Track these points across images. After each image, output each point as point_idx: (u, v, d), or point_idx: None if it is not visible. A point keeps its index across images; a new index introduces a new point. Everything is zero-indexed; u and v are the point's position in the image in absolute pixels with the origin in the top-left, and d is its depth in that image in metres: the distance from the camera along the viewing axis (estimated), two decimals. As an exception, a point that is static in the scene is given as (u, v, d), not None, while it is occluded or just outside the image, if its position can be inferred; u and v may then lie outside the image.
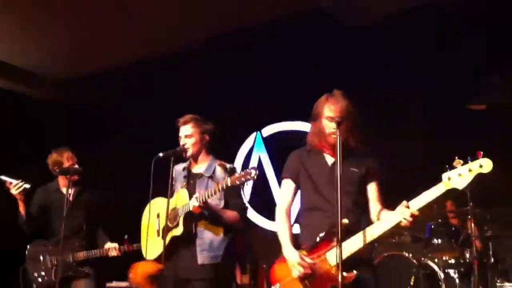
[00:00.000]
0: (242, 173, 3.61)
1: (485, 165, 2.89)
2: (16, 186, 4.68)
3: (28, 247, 4.99)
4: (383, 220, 3.15)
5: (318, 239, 3.25)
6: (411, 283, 5.37)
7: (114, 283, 5.92)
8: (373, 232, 3.12)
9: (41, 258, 4.87)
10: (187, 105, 4.69)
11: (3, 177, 4.73)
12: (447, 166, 2.96)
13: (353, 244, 3.11)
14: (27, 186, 4.73)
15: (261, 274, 6.71)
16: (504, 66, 6.03)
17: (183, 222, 3.91)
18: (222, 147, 4.35)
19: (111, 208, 5.33)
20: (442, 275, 5.32)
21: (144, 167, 3.97)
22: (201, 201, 3.79)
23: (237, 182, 3.62)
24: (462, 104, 6.28)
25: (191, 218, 3.92)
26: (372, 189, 3.39)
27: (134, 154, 6.99)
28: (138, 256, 4.29)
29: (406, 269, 5.45)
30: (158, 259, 3.93)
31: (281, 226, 3.43)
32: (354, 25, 6.10)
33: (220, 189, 3.75)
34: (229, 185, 3.68)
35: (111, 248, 4.88)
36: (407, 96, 6.50)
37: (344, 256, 2.99)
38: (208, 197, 3.78)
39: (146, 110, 7.81)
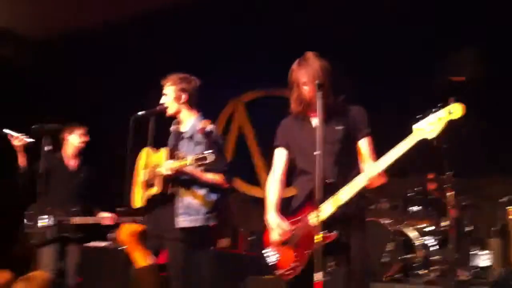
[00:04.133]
0: (201, 155, 3.63)
1: (454, 111, 2.83)
2: (18, 139, 4.96)
3: (27, 208, 5.17)
4: (354, 181, 3.12)
5: (298, 203, 3.31)
6: (387, 249, 5.43)
7: (92, 243, 5.94)
8: (344, 193, 3.11)
9: (39, 218, 5.04)
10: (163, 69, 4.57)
11: (6, 130, 4.98)
12: (418, 116, 2.91)
13: (332, 203, 3.12)
14: (29, 140, 4.99)
15: (240, 238, 6.75)
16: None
17: (159, 182, 3.92)
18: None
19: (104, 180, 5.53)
20: (417, 243, 5.38)
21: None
22: (172, 169, 3.80)
23: (197, 163, 3.65)
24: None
25: (166, 180, 3.92)
26: (362, 145, 3.34)
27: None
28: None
29: (383, 236, 5.50)
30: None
31: (268, 193, 3.47)
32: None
33: (186, 165, 3.75)
34: (188, 164, 3.70)
35: (106, 217, 5.24)
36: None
37: (325, 216, 3.05)
38: (180, 167, 3.79)
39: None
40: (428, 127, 2.88)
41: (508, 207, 5.34)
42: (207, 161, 3.60)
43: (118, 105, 6.98)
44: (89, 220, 5.18)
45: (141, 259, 3.98)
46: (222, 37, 7.10)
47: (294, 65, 3.34)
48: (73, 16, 7.14)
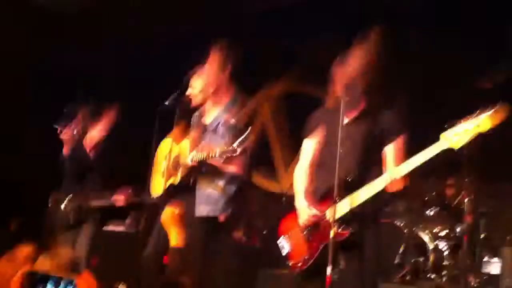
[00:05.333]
0: (230, 149, 3.66)
1: (482, 124, 2.80)
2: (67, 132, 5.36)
3: (51, 195, 5.45)
4: (373, 182, 3.18)
5: (317, 196, 3.39)
6: (400, 251, 5.47)
7: (111, 227, 6.14)
8: (363, 193, 3.18)
9: (62, 204, 5.27)
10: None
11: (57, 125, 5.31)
12: (446, 125, 2.92)
13: (350, 202, 3.19)
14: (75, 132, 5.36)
15: (255, 232, 6.82)
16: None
17: (181, 172, 4.01)
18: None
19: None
20: (431, 246, 5.41)
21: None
22: (195, 161, 3.88)
23: (223, 156, 3.70)
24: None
25: (188, 170, 4.00)
26: (389, 148, 3.35)
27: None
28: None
29: (397, 237, 5.54)
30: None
31: (296, 182, 3.58)
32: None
33: (211, 157, 3.80)
34: (216, 156, 3.75)
35: (119, 199, 5.33)
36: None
37: (342, 213, 3.12)
38: (204, 159, 3.85)
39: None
40: (455, 137, 2.87)
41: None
42: (236, 154, 3.64)
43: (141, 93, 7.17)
44: (105, 202, 5.32)
45: (177, 239, 4.04)
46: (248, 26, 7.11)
47: (335, 63, 3.42)
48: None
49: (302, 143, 3.68)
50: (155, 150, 4.32)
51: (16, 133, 7.41)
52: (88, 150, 5.46)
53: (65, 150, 5.46)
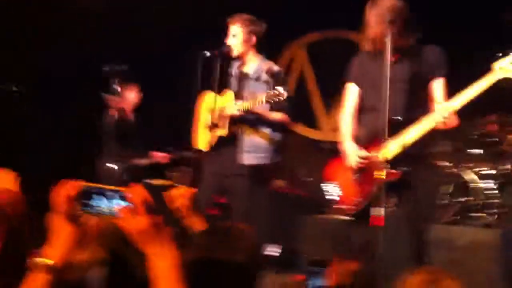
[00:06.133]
0: (275, 92, 3.69)
1: None
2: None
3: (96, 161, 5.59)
4: (424, 120, 3.16)
5: (365, 139, 3.38)
6: (444, 192, 5.45)
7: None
8: (412, 132, 3.15)
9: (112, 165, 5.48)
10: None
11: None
12: (500, 54, 2.86)
13: (399, 142, 3.17)
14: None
15: (297, 180, 6.87)
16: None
17: (228, 124, 4.04)
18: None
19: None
20: (478, 185, 5.36)
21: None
22: (241, 109, 3.91)
23: (270, 100, 3.74)
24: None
25: (235, 121, 4.04)
26: (435, 86, 3.34)
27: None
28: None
29: (444, 178, 5.51)
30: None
31: (342, 125, 3.57)
32: None
33: (258, 104, 3.85)
34: (263, 102, 3.78)
35: (161, 156, 5.83)
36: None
37: (394, 153, 3.11)
38: (251, 107, 3.90)
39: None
40: (510, 66, 2.82)
41: None
42: (282, 97, 3.66)
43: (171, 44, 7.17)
44: (147, 161, 5.72)
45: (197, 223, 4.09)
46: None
47: (367, 5, 3.35)
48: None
49: (340, 89, 3.65)
50: (197, 103, 4.34)
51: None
52: (128, 113, 5.71)
53: (112, 114, 5.50)
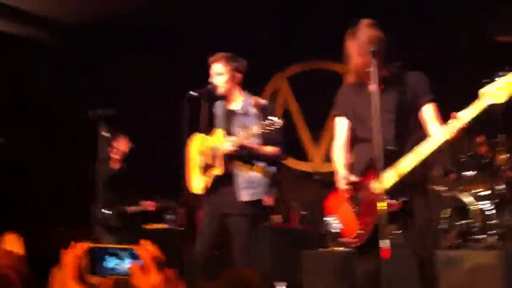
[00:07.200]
0: (269, 121, 3.65)
1: None
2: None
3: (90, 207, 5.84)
4: (431, 137, 3.11)
5: (359, 171, 3.33)
6: (443, 216, 5.40)
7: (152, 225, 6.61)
8: (407, 161, 3.11)
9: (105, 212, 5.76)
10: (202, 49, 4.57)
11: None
12: (485, 81, 2.85)
13: (395, 171, 3.12)
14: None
15: (292, 213, 6.80)
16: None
17: (222, 162, 3.97)
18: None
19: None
20: (475, 208, 5.32)
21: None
22: (235, 145, 3.86)
23: (264, 130, 3.69)
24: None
25: (229, 158, 3.98)
26: (425, 111, 3.31)
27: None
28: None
29: (438, 203, 5.47)
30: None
31: (336, 159, 3.52)
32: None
33: (253, 136, 3.82)
34: (257, 132, 3.74)
35: (148, 204, 6.19)
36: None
37: (389, 184, 3.06)
38: (243, 143, 3.85)
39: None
40: (497, 92, 2.81)
41: None
42: (278, 125, 3.62)
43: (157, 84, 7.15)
44: (136, 208, 6.10)
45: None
46: (262, 9, 7.04)
47: (347, 37, 3.34)
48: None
49: (324, 119, 3.63)
50: (186, 144, 4.27)
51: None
52: (117, 162, 6.07)
53: (112, 165, 6.04)
